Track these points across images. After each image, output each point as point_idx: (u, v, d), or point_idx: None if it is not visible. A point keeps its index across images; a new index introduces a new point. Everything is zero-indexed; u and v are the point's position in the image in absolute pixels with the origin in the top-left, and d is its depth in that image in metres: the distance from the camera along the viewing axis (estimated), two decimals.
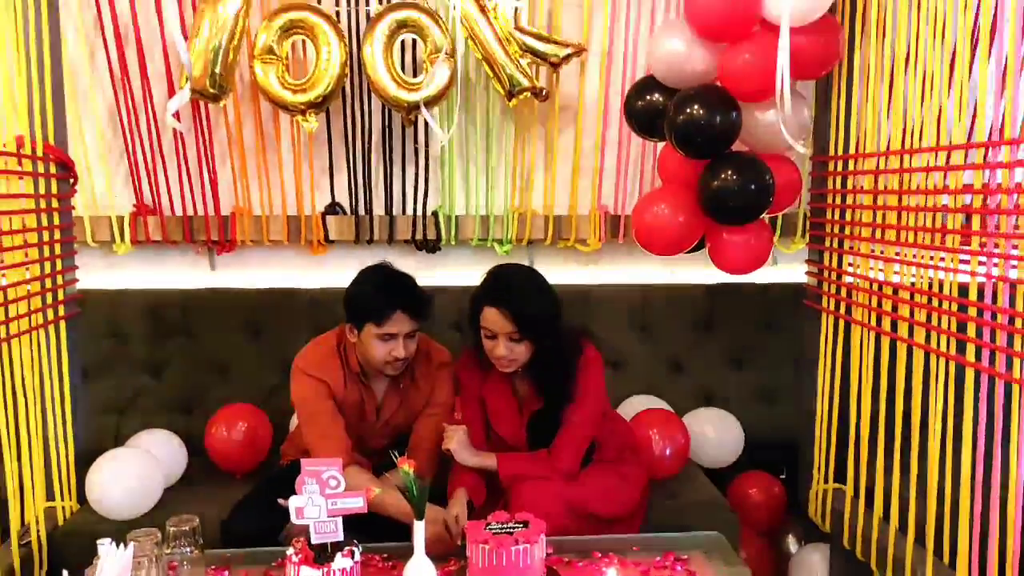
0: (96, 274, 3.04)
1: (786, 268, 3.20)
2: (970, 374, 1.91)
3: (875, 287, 2.32)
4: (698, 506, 2.61)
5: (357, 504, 1.93)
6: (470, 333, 2.38)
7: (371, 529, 2.13)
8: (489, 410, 2.48)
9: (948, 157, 2.01)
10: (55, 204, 2.51)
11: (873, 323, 2.33)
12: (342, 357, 2.45)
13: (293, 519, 1.92)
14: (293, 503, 1.92)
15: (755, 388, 3.22)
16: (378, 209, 3.17)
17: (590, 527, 2.35)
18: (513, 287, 2.31)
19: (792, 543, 2.99)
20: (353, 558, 1.90)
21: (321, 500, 1.91)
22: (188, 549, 2.11)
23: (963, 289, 1.99)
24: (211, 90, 2.80)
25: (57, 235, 2.51)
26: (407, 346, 2.34)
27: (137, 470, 2.55)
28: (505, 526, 1.97)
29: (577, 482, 2.37)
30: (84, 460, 2.61)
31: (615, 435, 2.52)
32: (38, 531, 2.37)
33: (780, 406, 3.19)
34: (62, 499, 2.53)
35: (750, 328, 3.23)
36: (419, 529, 1.94)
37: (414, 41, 2.96)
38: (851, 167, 2.48)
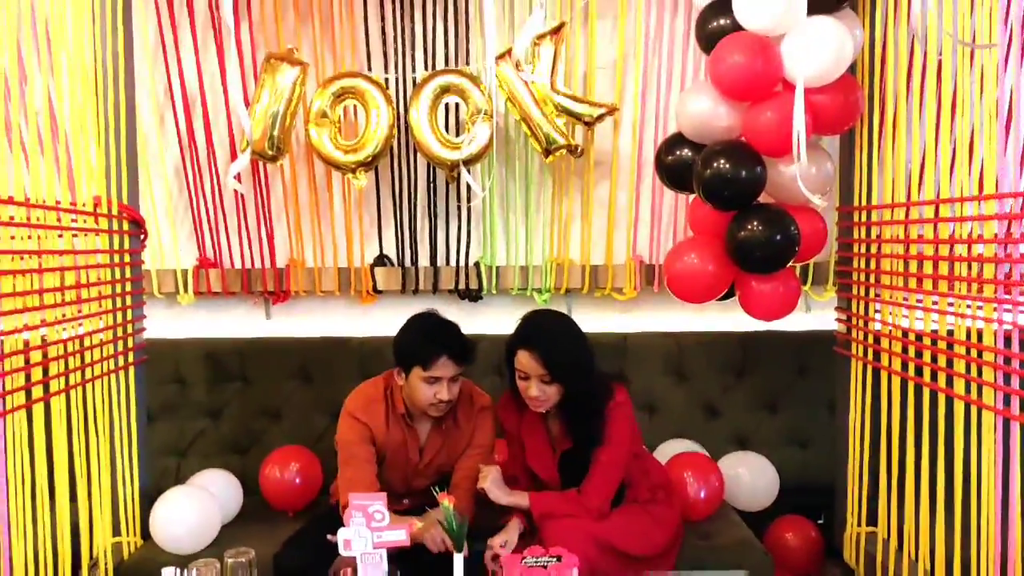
0: (162, 323, 3.25)
1: (819, 315, 3.28)
2: (988, 417, 1.98)
3: (900, 334, 2.41)
4: (732, 547, 2.68)
5: (400, 537, 2.06)
6: (509, 376, 2.51)
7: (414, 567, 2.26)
8: (526, 448, 2.60)
9: (980, 206, 2.05)
10: (127, 259, 2.73)
11: (899, 369, 2.41)
12: (388, 400, 2.60)
13: (341, 551, 2.06)
14: (341, 535, 2.06)
15: (789, 432, 3.29)
16: (423, 260, 3.34)
17: (622, 566, 2.43)
18: (544, 331, 2.45)
19: None
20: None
21: (367, 533, 2.05)
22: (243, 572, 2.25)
23: (980, 335, 2.07)
24: (269, 152, 3.02)
25: (128, 287, 2.73)
26: (451, 389, 2.48)
27: (197, 507, 2.72)
28: (539, 560, 2.08)
29: (607, 521, 2.46)
30: (148, 498, 2.79)
31: (647, 476, 2.61)
32: (106, 564, 2.54)
33: (814, 450, 3.25)
34: (128, 534, 2.70)
35: (783, 374, 3.31)
36: (458, 562, 2.06)
37: (457, 104, 3.15)
38: (875, 217, 2.59)
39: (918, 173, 2.38)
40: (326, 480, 3.04)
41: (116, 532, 2.67)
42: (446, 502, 2.07)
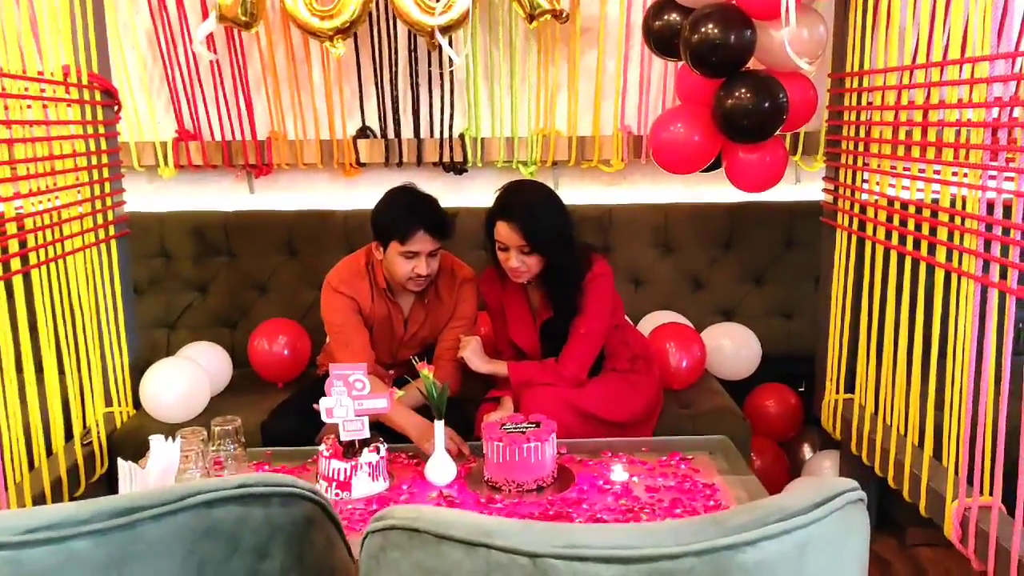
0: (144, 197, 3.21)
1: (809, 186, 3.24)
2: (967, 285, 1.97)
3: (886, 203, 2.38)
4: (711, 414, 2.74)
5: (381, 405, 2.10)
6: (490, 248, 2.50)
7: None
8: (508, 320, 2.61)
9: (972, 70, 1.98)
10: (101, 130, 2.67)
11: (883, 238, 2.39)
12: (370, 274, 2.59)
13: (324, 418, 2.10)
14: (323, 404, 2.09)
15: (774, 304, 3.31)
16: (407, 133, 3.28)
17: (601, 432, 2.49)
18: (523, 202, 2.42)
19: (807, 451, 3.11)
20: (379, 453, 2.07)
21: (348, 401, 2.08)
22: (231, 447, 2.31)
23: (965, 203, 2.04)
24: (243, 17, 2.91)
25: (104, 159, 2.67)
26: (429, 264, 2.47)
27: (186, 378, 2.76)
28: (519, 426, 2.12)
29: (585, 389, 2.51)
30: (139, 370, 2.83)
31: (627, 346, 2.64)
32: (98, 433, 2.60)
33: (799, 321, 3.28)
34: (119, 404, 2.75)
35: (771, 246, 3.30)
36: (439, 429, 2.11)
37: None
38: (867, 83, 2.51)
39: (912, 39, 2.29)
40: (314, 351, 3.08)
41: (108, 402, 2.72)
42: (426, 371, 2.09)
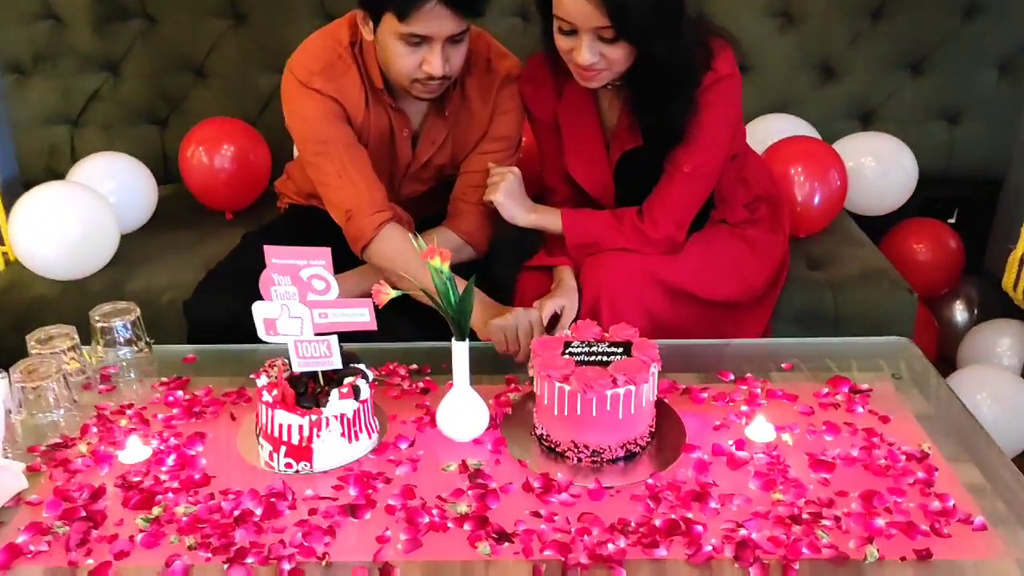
0: None
1: None
2: None
3: None
4: (858, 282, 1.85)
5: (360, 318, 1.21)
6: (543, 29, 1.50)
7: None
8: (565, 142, 1.67)
9: None
10: None
11: None
12: (359, 63, 1.61)
13: (262, 335, 1.23)
14: (259, 312, 1.21)
15: (935, 102, 2.31)
16: None
17: (702, 318, 1.63)
18: None
19: (961, 312, 2.27)
20: (357, 396, 1.21)
21: (302, 310, 1.20)
22: (127, 351, 1.46)
23: None
24: None
25: None
26: (449, 57, 1.49)
27: (78, 213, 1.85)
28: (594, 349, 1.25)
29: (680, 256, 1.62)
30: (13, 196, 1.92)
31: (745, 185, 1.71)
32: None
33: (967, 128, 2.31)
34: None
35: (940, 14, 2.26)
36: (461, 353, 1.24)
37: None
38: None
39: None
40: (274, 169, 2.16)
41: None
42: (437, 262, 1.18)
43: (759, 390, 1.38)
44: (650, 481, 1.18)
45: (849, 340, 1.55)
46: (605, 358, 1.23)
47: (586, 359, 1.23)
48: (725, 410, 1.33)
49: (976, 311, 2.24)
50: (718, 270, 1.64)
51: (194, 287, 1.70)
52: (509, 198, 1.61)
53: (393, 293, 1.21)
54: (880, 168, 2.11)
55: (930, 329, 2.18)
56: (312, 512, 1.13)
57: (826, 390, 1.37)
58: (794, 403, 1.35)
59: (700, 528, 1.09)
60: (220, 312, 1.59)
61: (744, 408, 1.33)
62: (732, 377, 1.42)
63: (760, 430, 1.27)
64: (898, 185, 2.13)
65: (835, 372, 1.43)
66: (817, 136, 2.14)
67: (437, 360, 1.45)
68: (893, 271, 1.87)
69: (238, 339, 1.48)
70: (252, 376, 1.40)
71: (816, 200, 1.95)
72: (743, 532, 1.08)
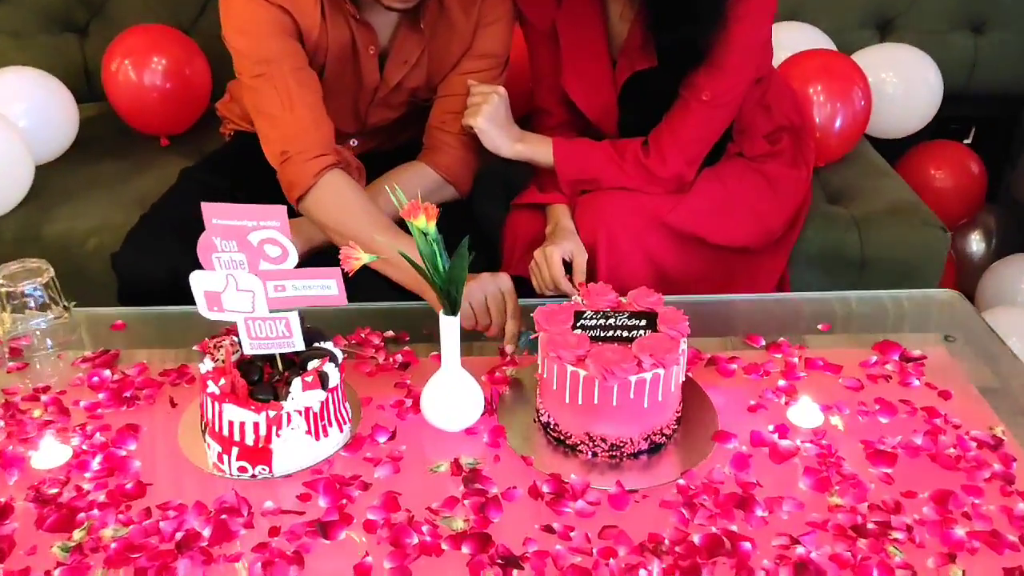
0: None
1: None
2: None
3: None
4: (886, 219, 1.65)
5: (326, 291, 0.97)
6: None
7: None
8: (564, 58, 1.41)
9: None
10: None
11: None
12: None
13: (203, 311, 0.99)
14: (199, 284, 0.97)
15: (960, 9, 2.07)
16: None
17: (713, 265, 1.43)
18: None
19: (977, 243, 2.09)
20: (325, 385, 0.99)
21: (253, 281, 0.96)
22: (39, 321, 1.21)
23: None
24: None
25: None
26: None
27: None
28: (612, 321, 1.03)
29: (689, 195, 1.40)
30: None
31: (766, 112, 1.48)
32: None
33: (993, 38, 2.08)
34: None
35: None
36: (451, 330, 1.01)
37: None
38: None
39: None
40: (215, 87, 1.87)
41: None
42: (422, 222, 0.94)
43: (796, 359, 1.18)
44: (682, 482, 0.98)
45: (890, 293, 1.35)
46: (626, 333, 1.02)
47: (602, 335, 1.01)
48: (759, 386, 1.13)
49: (995, 243, 2.07)
50: (732, 211, 1.43)
51: (125, 231, 1.44)
52: (492, 123, 1.36)
53: (366, 258, 0.98)
54: (903, 85, 1.89)
55: (948, 265, 2.00)
56: (273, 532, 0.92)
57: (874, 358, 1.18)
58: (838, 375, 1.15)
59: (747, 545, 0.90)
60: (156, 266, 1.34)
61: (782, 383, 1.13)
62: (763, 343, 1.22)
63: (805, 412, 1.07)
64: (923, 104, 1.91)
65: (881, 334, 1.23)
66: (833, 48, 1.90)
67: (416, 323, 1.24)
68: (923, 205, 1.67)
69: (179, 298, 1.22)
70: (197, 348, 1.17)
71: (837, 124, 1.73)
72: (800, 550, 0.90)
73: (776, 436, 1.04)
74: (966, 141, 2.18)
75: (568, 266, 1.33)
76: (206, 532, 0.92)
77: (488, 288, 1.18)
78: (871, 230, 1.60)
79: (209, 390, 0.97)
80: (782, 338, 1.22)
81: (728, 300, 1.34)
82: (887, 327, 1.26)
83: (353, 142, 1.54)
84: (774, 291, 1.53)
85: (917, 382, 1.14)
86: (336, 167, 1.29)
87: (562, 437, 1.03)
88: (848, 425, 1.06)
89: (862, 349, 1.20)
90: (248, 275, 0.95)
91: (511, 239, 1.45)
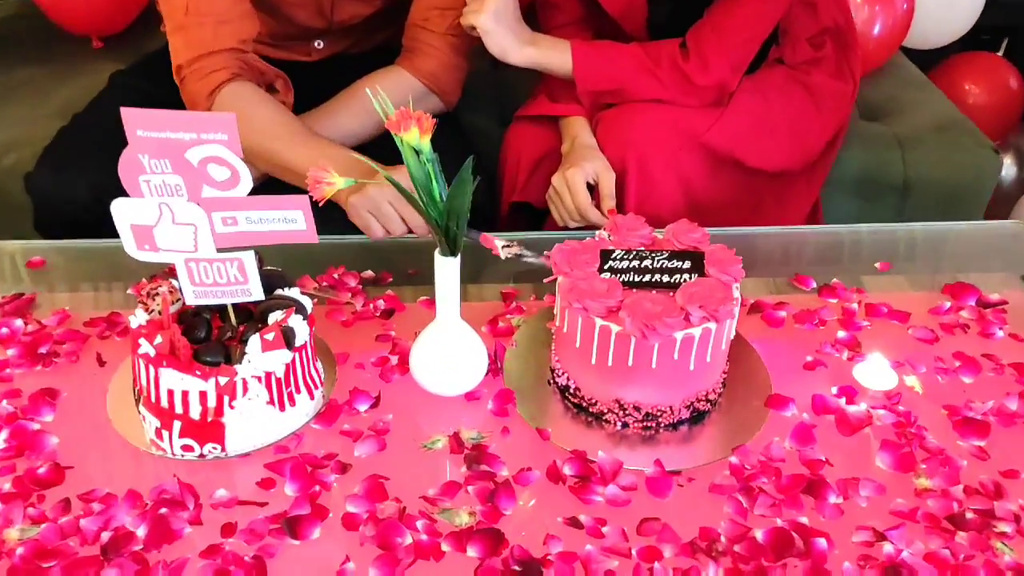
0: None
1: None
2: None
3: None
4: (931, 137, 1.45)
5: (290, 225, 0.76)
6: None
7: None
8: None
9: None
10: None
11: None
12: None
13: (131, 251, 0.77)
14: (123, 215, 0.75)
15: None
16: None
17: (735, 188, 1.24)
18: None
19: (1008, 167, 1.91)
20: (291, 343, 0.78)
21: (194, 212, 0.74)
22: None
23: None
24: None
25: None
26: None
27: None
28: (648, 263, 0.83)
29: (729, 109, 1.19)
30: None
31: (815, 12, 1.26)
32: None
33: None
34: None
35: None
36: (449, 273, 0.80)
37: None
38: None
39: None
40: None
41: None
42: (414, 137, 0.72)
43: (855, 304, 0.99)
44: (734, 460, 0.80)
45: (949, 225, 1.16)
46: (666, 278, 0.82)
47: (637, 279, 0.81)
48: (815, 338, 0.95)
49: None
50: (773, 130, 1.23)
51: (24, 178, 1.19)
52: (499, 23, 1.13)
53: (340, 182, 0.76)
54: None
55: None
56: (227, 531, 0.73)
57: (947, 304, 1.00)
58: (906, 325, 0.97)
59: (823, 543, 0.72)
60: (76, 189, 1.11)
61: (841, 334, 0.95)
62: (814, 285, 1.03)
63: (875, 371, 0.89)
64: (965, 8, 1.69)
65: (948, 274, 1.05)
66: None
67: (399, 261, 1.03)
68: (970, 123, 1.47)
69: (110, 229, 1.00)
70: (131, 291, 0.95)
71: (876, 29, 1.51)
72: (887, 549, 0.72)
73: (843, 402, 0.86)
74: (998, 53, 1.97)
75: (592, 191, 1.13)
76: (140, 531, 0.72)
77: (383, 194, 0.99)
78: (915, 150, 1.41)
79: (142, 351, 0.76)
80: (835, 279, 1.03)
81: (767, 233, 1.14)
82: (952, 265, 1.08)
83: (318, 43, 1.30)
84: (806, 222, 1.34)
85: (1000, 332, 0.96)
86: (233, 80, 1.07)
87: (585, 404, 0.84)
88: (926, 386, 0.88)
89: (930, 292, 1.02)
90: (188, 204, 0.73)
91: (513, 159, 1.23)
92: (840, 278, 1.03)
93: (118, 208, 0.73)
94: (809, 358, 0.92)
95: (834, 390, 0.87)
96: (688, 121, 1.15)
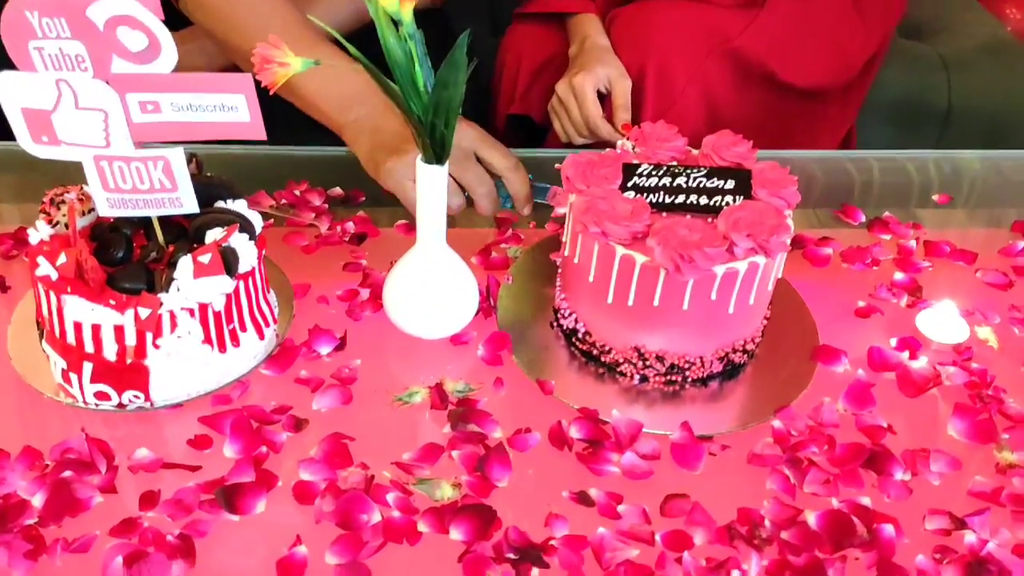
0: None
1: None
2: None
3: None
4: (980, 59, 1.29)
5: (230, 115, 0.59)
6: None
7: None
8: None
9: None
10: None
11: None
12: None
13: (25, 144, 0.60)
14: (10, 95, 0.57)
15: None
16: None
17: (764, 106, 1.08)
18: None
19: None
20: (232, 270, 0.62)
21: (102, 92, 0.57)
22: None
23: None
24: None
25: None
26: None
27: None
28: (681, 181, 0.67)
29: (764, 13, 1.03)
30: None
31: None
32: None
33: None
34: None
35: None
36: (431, 182, 0.64)
37: None
38: None
39: None
40: None
41: None
42: (393, 5, 0.56)
43: (912, 242, 0.84)
44: (777, 424, 0.65)
45: (1005, 153, 1.01)
46: (704, 199, 0.66)
47: (668, 200, 0.66)
48: (867, 280, 0.80)
49: None
50: (811, 39, 1.07)
51: None
52: None
53: (298, 64, 0.59)
54: None
55: None
56: (148, 503, 0.57)
57: (1020, 244, 0.85)
58: (973, 266, 0.82)
59: (890, 530, 0.58)
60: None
61: (899, 276, 0.80)
62: (863, 219, 0.87)
63: (941, 320, 0.74)
64: None
65: (1012, 209, 0.90)
66: None
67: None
68: (1018, 45, 1.31)
69: None
70: (44, 202, 0.78)
71: None
72: (969, 539, 0.58)
73: (906, 357, 0.71)
74: None
75: (604, 100, 0.97)
76: (36, 500, 0.57)
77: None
78: (962, 73, 1.25)
79: (41, 272, 0.60)
80: (887, 212, 0.88)
81: (806, 157, 0.98)
82: (1014, 199, 0.93)
83: None
84: (838, 148, 1.19)
85: None
86: None
87: (596, 351, 0.69)
88: (1002, 340, 0.74)
89: (997, 229, 0.87)
90: (94, 82, 0.56)
91: (512, 65, 1.06)
92: (892, 211, 0.88)
93: (4, 84, 0.56)
94: (861, 303, 0.77)
95: (893, 342, 0.73)
96: (718, 22, 0.99)
